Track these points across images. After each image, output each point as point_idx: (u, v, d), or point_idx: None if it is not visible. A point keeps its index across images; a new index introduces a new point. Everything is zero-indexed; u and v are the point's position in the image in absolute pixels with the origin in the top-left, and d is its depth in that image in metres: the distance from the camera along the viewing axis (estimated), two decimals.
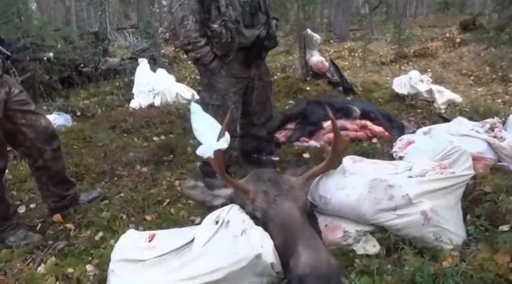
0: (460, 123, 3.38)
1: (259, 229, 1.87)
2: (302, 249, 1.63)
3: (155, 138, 4.53)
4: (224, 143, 1.81)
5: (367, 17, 17.27)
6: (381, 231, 2.08)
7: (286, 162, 3.47)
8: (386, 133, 4.01)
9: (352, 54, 9.71)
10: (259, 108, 3.28)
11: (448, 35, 10.72)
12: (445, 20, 17.46)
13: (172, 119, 5.01)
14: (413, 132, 3.95)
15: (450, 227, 2.05)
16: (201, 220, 2.69)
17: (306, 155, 3.55)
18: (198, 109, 2.01)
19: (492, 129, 3.03)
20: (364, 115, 4.22)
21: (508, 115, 4.63)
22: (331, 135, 3.89)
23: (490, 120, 3.17)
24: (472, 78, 6.79)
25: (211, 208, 2.21)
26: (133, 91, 6.51)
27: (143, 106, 6.00)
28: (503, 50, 6.32)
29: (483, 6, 17.82)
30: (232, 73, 2.97)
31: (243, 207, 2.05)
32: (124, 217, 2.90)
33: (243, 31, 2.85)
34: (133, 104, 6.19)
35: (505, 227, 2.08)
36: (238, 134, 3.39)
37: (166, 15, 8.88)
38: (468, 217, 2.24)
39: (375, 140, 3.92)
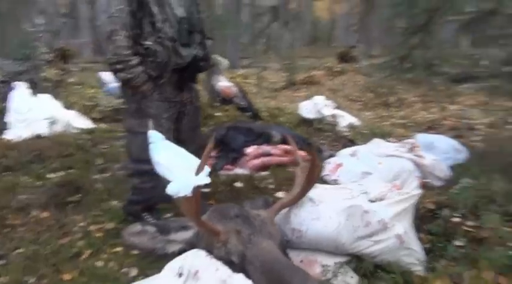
0: (379, 144, 3.58)
1: (241, 276, 1.60)
2: None
3: (51, 175, 3.82)
4: (205, 177, 1.52)
5: (250, 46, 18.08)
6: (354, 260, 1.99)
7: (219, 193, 3.21)
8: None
9: (246, 80, 9.92)
10: (190, 136, 2.99)
11: (328, 64, 11.72)
12: (316, 51, 19.23)
13: (71, 152, 4.32)
14: (331, 155, 4.09)
15: (416, 248, 2.07)
16: (139, 272, 2.30)
17: (238, 184, 3.35)
18: (159, 139, 1.69)
19: (412, 148, 3.26)
20: (284, 140, 4.22)
21: (403, 136, 5.16)
22: (256, 161, 3.79)
23: (409, 140, 3.43)
24: (359, 103, 7.46)
25: (165, 257, 1.86)
26: (8, 120, 5.51)
27: (23, 137, 5.09)
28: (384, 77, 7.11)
29: (347, 39, 20.14)
30: (165, 97, 2.65)
31: (210, 251, 1.76)
32: (32, 281, 2.28)
33: (179, 50, 2.58)
34: (11, 135, 5.21)
35: (459, 242, 2.17)
36: None
37: (43, 34, 7.87)
38: (422, 235, 2.30)
39: None
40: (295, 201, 1.99)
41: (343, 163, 3.37)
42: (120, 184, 3.42)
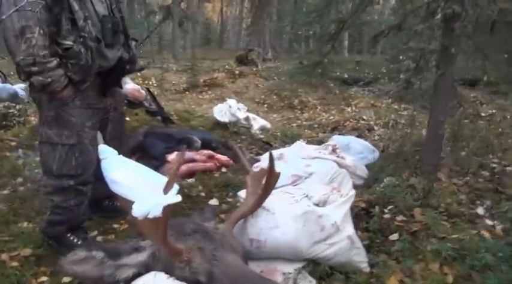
0: (302, 147, 3.70)
1: None
2: None
3: None
4: (176, 196, 1.38)
5: (144, 46, 17.32)
6: (310, 264, 2.02)
7: None
8: (231, 161, 4.01)
9: (146, 82, 9.46)
10: (114, 145, 2.68)
11: (227, 67, 11.83)
12: (210, 54, 19.27)
13: None
14: (251, 158, 4.12)
15: (361, 246, 2.18)
16: None
17: None
18: (111, 153, 1.49)
19: (334, 150, 3.45)
20: (206, 145, 4.12)
21: (311, 137, 5.46)
22: (181, 169, 3.62)
23: (330, 142, 3.62)
24: (265, 105, 7.68)
25: None
26: None
27: None
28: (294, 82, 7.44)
29: (237, 42, 20.56)
30: (88, 103, 2.37)
31: (169, 273, 1.61)
32: None
33: (104, 51, 2.32)
34: None
35: (394, 236, 2.35)
36: None
37: None
38: (359, 232, 2.43)
39: (224, 170, 3.87)
40: (252, 211, 1.94)
41: None
42: (26, 203, 2.97)
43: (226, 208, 3.02)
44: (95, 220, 2.77)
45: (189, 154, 3.82)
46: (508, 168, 3.06)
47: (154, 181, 1.43)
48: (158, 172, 3.46)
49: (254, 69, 12.03)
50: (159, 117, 5.61)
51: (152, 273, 1.60)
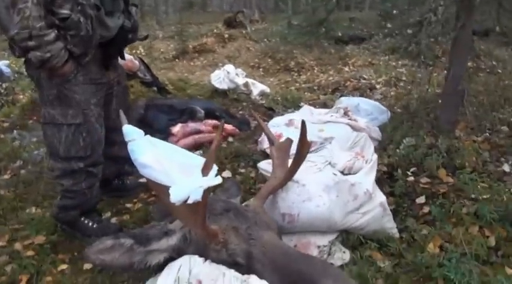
0: (311, 111, 3.58)
1: (255, 277, 1.42)
2: None
3: None
4: (216, 178, 1.26)
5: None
6: (341, 235, 1.95)
7: None
8: (237, 130, 3.89)
9: (134, 51, 9.08)
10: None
11: (215, 31, 11.40)
12: (193, 18, 18.57)
13: None
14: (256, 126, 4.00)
15: (390, 212, 2.11)
16: None
17: None
18: (138, 134, 1.35)
19: (346, 113, 3.33)
20: (209, 114, 3.97)
21: (313, 100, 5.32)
22: (187, 141, 3.51)
23: (341, 105, 3.49)
24: (261, 69, 7.45)
25: (147, 270, 1.57)
26: None
27: None
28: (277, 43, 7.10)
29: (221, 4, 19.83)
30: (91, 78, 2.19)
31: (203, 255, 1.53)
32: None
33: (104, 20, 2.11)
34: None
35: (421, 200, 2.28)
36: None
37: None
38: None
39: (231, 139, 3.74)
40: (283, 184, 1.84)
41: (282, 134, 3.29)
42: (30, 187, 2.83)
43: (240, 179, 2.92)
44: (106, 201, 2.65)
45: (193, 125, 3.68)
46: None
47: (189, 161, 1.30)
48: None
49: (244, 31, 11.60)
50: (154, 88, 5.40)
51: (186, 257, 1.52)
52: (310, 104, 5.20)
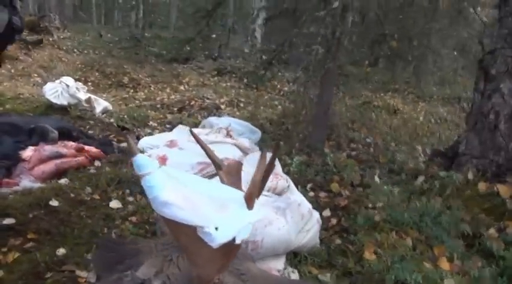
0: (186, 131, 3.49)
1: None
2: None
3: None
4: (261, 210, 1.11)
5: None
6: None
7: (35, 221, 2.26)
8: (102, 153, 3.41)
9: None
10: None
11: None
12: None
13: None
14: (119, 148, 3.64)
15: None
16: None
17: (54, 202, 2.45)
18: (154, 166, 1.07)
19: (228, 133, 3.37)
20: (63, 135, 3.36)
21: (161, 118, 5.16)
22: (46, 167, 2.91)
23: (223, 125, 3.50)
24: (90, 84, 6.69)
25: None
26: None
27: None
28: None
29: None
30: None
31: None
32: None
33: None
34: None
35: (327, 213, 2.52)
36: None
37: None
38: None
39: (98, 163, 3.25)
40: None
41: (166, 156, 3.08)
42: None
43: (132, 209, 2.58)
44: None
45: (51, 148, 3.04)
46: (374, 141, 3.68)
47: (220, 194, 1.12)
48: (11, 174, 2.70)
49: (51, 39, 10.25)
50: None
51: None
52: (158, 122, 5.05)
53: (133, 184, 2.87)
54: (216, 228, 1.02)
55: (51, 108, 4.49)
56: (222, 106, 5.90)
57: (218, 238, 1.02)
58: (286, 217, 1.85)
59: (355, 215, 2.42)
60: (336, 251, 2.16)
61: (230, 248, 1.11)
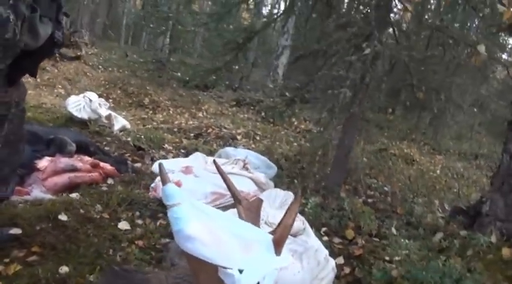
0: (205, 159, 3.47)
1: None
2: None
3: None
4: (287, 257, 1.05)
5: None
6: None
7: (41, 234, 2.21)
8: (116, 171, 3.38)
9: None
10: (6, 154, 1.92)
11: None
12: None
13: None
14: (133, 167, 3.61)
15: None
16: None
17: (63, 217, 2.40)
18: (183, 197, 1.02)
19: (245, 166, 3.33)
20: (80, 149, 3.35)
21: (176, 142, 5.14)
22: (59, 179, 2.89)
23: (240, 157, 3.46)
24: (111, 100, 6.79)
25: None
26: None
27: None
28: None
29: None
30: None
31: None
32: None
33: (36, 26, 1.61)
34: None
35: (340, 260, 2.41)
36: None
37: None
38: None
39: (111, 181, 3.21)
40: None
41: (181, 182, 3.03)
42: None
43: (140, 232, 2.51)
44: None
45: (67, 160, 3.02)
46: (392, 190, 3.60)
47: (247, 234, 1.06)
48: (24, 183, 2.67)
49: (79, 53, 10.54)
50: None
51: None
52: (173, 146, 5.04)
53: (144, 207, 2.82)
54: (240, 271, 0.95)
55: (71, 121, 4.53)
56: (238, 137, 5.88)
57: (241, 281, 0.95)
58: (303, 262, 1.76)
59: (369, 266, 2.31)
60: None
61: None
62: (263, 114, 8.10)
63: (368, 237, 2.61)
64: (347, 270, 2.34)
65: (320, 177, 3.43)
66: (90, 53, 11.47)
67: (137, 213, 2.75)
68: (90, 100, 4.59)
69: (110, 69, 10.27)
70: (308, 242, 1.89)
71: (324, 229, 2.69)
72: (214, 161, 1.59)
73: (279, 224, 1.14)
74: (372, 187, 3.61)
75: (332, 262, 1.99)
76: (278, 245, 1.05)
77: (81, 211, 2.55)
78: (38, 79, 7.34)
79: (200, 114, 7.19)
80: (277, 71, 9.95)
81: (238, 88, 10.70)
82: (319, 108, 3.61)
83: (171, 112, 6.91)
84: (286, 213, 1.18)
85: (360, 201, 3.25)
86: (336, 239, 2.60)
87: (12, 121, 1.85)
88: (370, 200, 3.34)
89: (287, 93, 4.57)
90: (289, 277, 1.68)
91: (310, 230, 2.14)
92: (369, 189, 3.58)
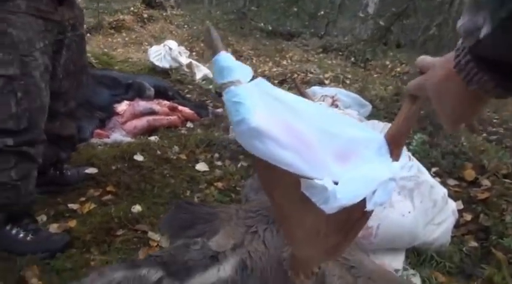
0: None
1: None
2: None
3: None
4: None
5: None
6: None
7: (116, 174, 2.10)
8: (196, 115, 3.20)
9: None
10: (70, 84, 1.77)
11: (132, 8, 10.25)
12: None
13: None
14: (213, 113, 3.39)
15: None
16: None
17: (138, 157, 2.28)
18: (246, 76, 0.69)
19: (334, 103, 2.91)
20: (159, 94, 3.22)
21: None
22: (139, 122, 2.76)
23: (327, 93, 3.05)
24: (194, 53, 6.71)
25: None
26: None
27: None
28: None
29: None
30: (39, 9, 1.40)
31: None
32: None
33: None
34: None
35: (459, 205, 1.94)
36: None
37: None
38: None
39: (190, 125, 3.05)
40: None
41: None
42: None
43: (219, 174, 2.29)
44: (37, 199, 1.81)
45: (145, 104, 2.90)
46: None
47: (343, 129, 0.68)
48: (104, 126, 2.57)
49: (164, 14, 10.67)
50: None
51: None
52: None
53: (223, 148, 2.59)
54: (336, 183, 0.59)
55: (153, 71, 4.47)
56: (326, 82, 5.39)
57: (337, 197, 0.59)
58: (414, 201, 1.35)
59: (500, 213, 1.80)
60: (471, 257, 1.62)
61: (353, 218, 0.68)
62: (353, 59, 7.43)
63: (495, 178, 2.06)
64: (468, 217, 1.86)
65: (425, 113, 2.86)
66: (174, 13, 11.56)
67: (216, 155, 2.53)
68: (170, 49, 4.46)
69: (195, 27, 10.25)
70: (420, 177, 1.45)
71: (434, 169, 2.20)
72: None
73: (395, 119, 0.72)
74: (494, 123, 2.94)
75: (452, 204, 1.54)
76: (395, 144, 0.66)
77: (158, 152, 2.40)
78: (127, 38, 7.56)
79: (284, 62, 6.77)
80: (366, 10, 8.99)
81: (325, 34, 9.98)
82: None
83: (254, 61, 6.61)
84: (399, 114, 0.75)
85: (479, 139, 2.64)
86: (451, 181, 2.10)
87: (69, 47, 1.67)
88: (493, 137, 2.70)
89: (381, 22, 3.91)
90: (396, 218, 1.29)
91: (420, 165, 1.68)
92: (490, 125, 2.91)
